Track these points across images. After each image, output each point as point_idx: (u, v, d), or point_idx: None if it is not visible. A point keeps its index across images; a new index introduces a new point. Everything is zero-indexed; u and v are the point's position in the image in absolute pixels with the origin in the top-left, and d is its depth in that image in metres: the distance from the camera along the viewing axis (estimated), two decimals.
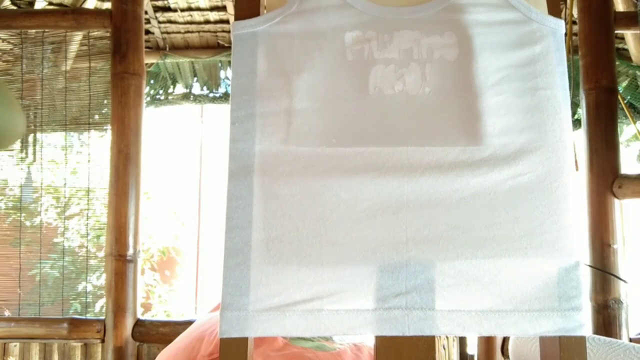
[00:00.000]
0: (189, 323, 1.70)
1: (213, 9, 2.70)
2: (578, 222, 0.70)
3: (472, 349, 1.44)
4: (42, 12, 2.35)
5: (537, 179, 0.71)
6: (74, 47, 2.36)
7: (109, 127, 2.17)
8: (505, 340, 1.31)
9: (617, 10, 2.21)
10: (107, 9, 2.25)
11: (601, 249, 1.97)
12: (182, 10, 2.71)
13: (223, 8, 2.70)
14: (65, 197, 2.33)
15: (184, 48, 2.85)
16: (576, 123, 2.27)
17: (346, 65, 0.74)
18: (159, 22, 2.75)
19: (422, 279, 0.68)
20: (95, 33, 2.30)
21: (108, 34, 2.22)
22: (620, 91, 2.44)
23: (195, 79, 2.93)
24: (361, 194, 0.70)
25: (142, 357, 2.11)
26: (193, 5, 2.69)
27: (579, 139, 2.10)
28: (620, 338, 1.96)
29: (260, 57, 0.75)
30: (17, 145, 2.32)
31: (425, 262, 0.69)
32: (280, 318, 0.68)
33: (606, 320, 1.95)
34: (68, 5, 2.47)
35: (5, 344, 2.19)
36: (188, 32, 2.80)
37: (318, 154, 0.72)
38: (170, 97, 2.94)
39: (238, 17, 0.77)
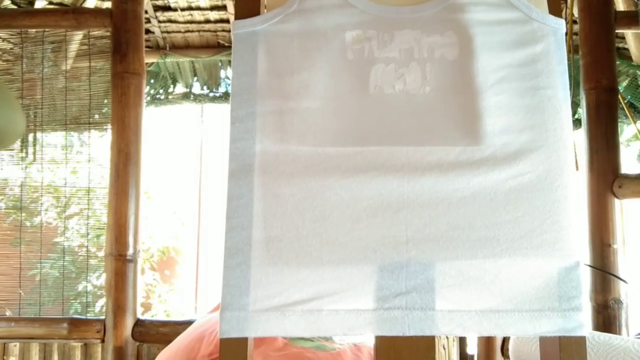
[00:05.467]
0: (189, 323, 1.69)
1: (213, 8, 2.70)
2: (578, 222, 0.70)
3: (472, 349, 1.44)
4: (42, 12, 2.35)
5: (538, 179, 0.71)
6: (74, 47, 2.36)
7: (109, 126, 2.17)
8: (505, 340, 1.31)
9: (617, 9, 2.20)
10: (107, 8, 2.25)
11: (601, 248, 1.97)
12: (183, 9, 2.71)
13: (223, 7, 2.70)
14: (65, 197, 2.33)
15: (184, 47, 2.85)
16: (576, 123, 2.27)
17: (346, 65, 0.74)
18: (159, 22, 2.75)
19: (422, 279, 0.68)
20: (96, 32, 2.30)
21: (108, 34, 2.21)
22: (621, 91, 2.43)
23: (196, 78, 2.93)
24: (361, 193, 0.70)
25: (142, 357, 2.11)
26: (193, 5, 2.69)
27: (579, 139, 2.10)
28: None
29: (261, 56, 0.75)
30: (17, 144, 2.32)
31: (425, 262, 0.68)
32: (280, 318, 0.68)
33: (606, 320, 1.95)
34: (68, 5, 2.47)
35: (5, 343, 2.19)
36: (188, 31, 2.80)
37: (318, 153, 0.71)
38: (170, 97, 2.94)
39: (238, 17, 0.77)
